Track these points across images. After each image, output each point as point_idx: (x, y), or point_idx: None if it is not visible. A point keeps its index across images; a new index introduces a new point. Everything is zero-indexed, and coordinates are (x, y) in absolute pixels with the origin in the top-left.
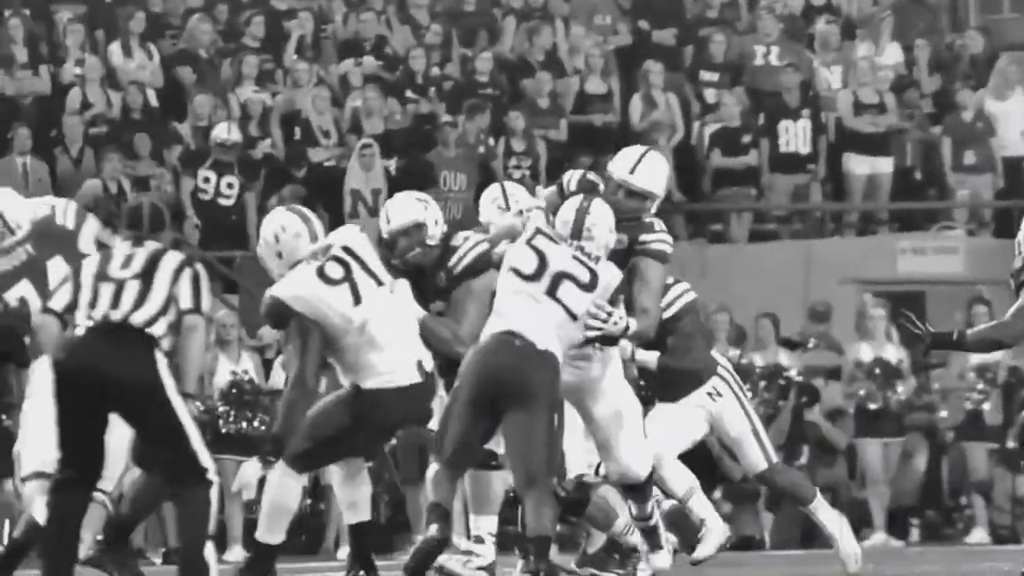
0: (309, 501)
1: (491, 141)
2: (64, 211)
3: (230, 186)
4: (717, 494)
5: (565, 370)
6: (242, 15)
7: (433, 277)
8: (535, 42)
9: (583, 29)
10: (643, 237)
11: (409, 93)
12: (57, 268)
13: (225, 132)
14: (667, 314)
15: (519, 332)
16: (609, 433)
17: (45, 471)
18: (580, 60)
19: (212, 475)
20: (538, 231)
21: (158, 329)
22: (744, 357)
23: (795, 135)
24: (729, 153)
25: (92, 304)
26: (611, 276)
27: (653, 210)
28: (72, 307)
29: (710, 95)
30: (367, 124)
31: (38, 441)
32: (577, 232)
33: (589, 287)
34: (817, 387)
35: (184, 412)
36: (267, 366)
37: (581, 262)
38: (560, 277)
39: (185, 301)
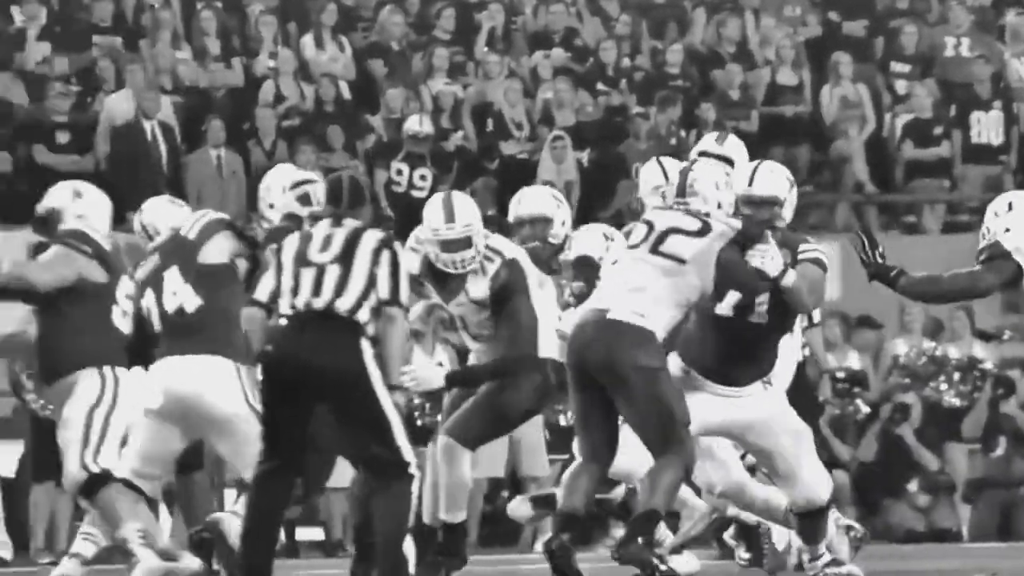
0: (506, 493)
1: (682, 133)
2: (192, 223)
3: (423, 178)
4: (913, 486)
5: (729, 410)
6: (433, 7)
7: (548, 265)
8: (725, 34)
9: (773, 20)
10: (801, 247)
11: (600, 85)
12: (173, 279)
13: (417, 124)
14: None
15: (601, 306)
16: (791, 464)
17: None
18: (771, 51)
19: (414, 469)
20: (652, 208)
21: (362, 315)
22: (939, 349)
23: (987, 126)
24: (921, 144)
25: (294, 291)
26: (727, 224)
27: (788, 216)
28: (276, 295)
29: (901, 86)
30: (558, 116)
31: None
32: (681, 190)
33: (700, 233)
34: (1013, 379)
35: (388, 403)
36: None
37: (691, 215)
38: (666, 233)
39: (384, 291)
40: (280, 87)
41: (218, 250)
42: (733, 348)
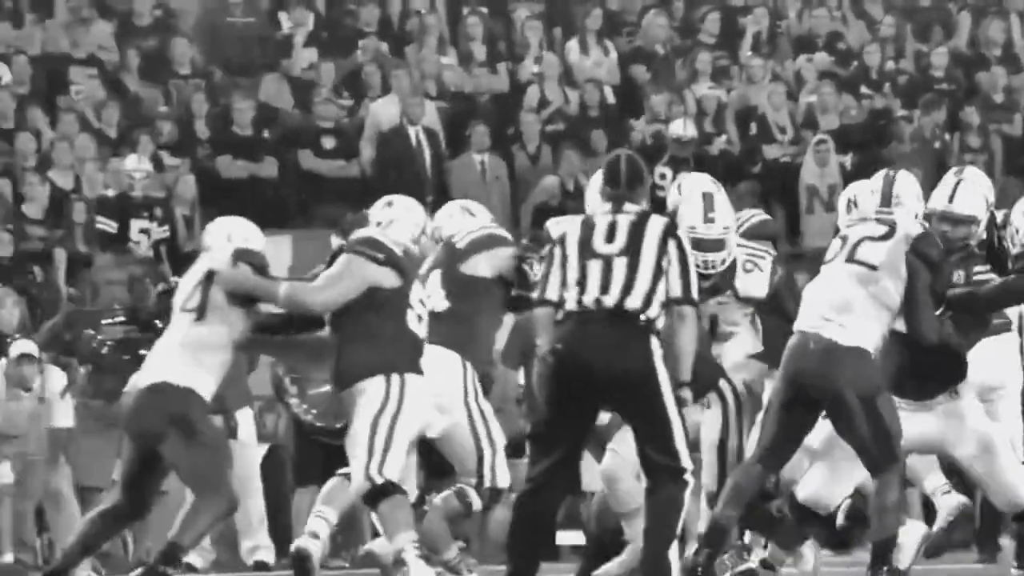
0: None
1: (947, 136)
2: (466, 233)
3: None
4: None
5: (918, 424)
6: (697, 11)
7: None
8: (990, 36)
9: None
10: (976, 268)
11: (864, 88)
12: (433, 282)
13: (681, 128)
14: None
15: (813, 329)
16: (987, 469)
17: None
18: None
19: (689, 476)
20: (851, 224)
21: (652, 312)
22: None
23: None
24: None
25: (581, 286)
26: (911, 226)
27: (982, 233)
28: (563, 288)
29: None
30: (822, 120)
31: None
32: (887, 199)
33: (885, 237)
34: None
35: (673, 406)
36: None
37: (879, 222)
38: (859, 242)
39: (675, 289)
40: (544, 92)
41: (487, 265)
42: (917, 359)
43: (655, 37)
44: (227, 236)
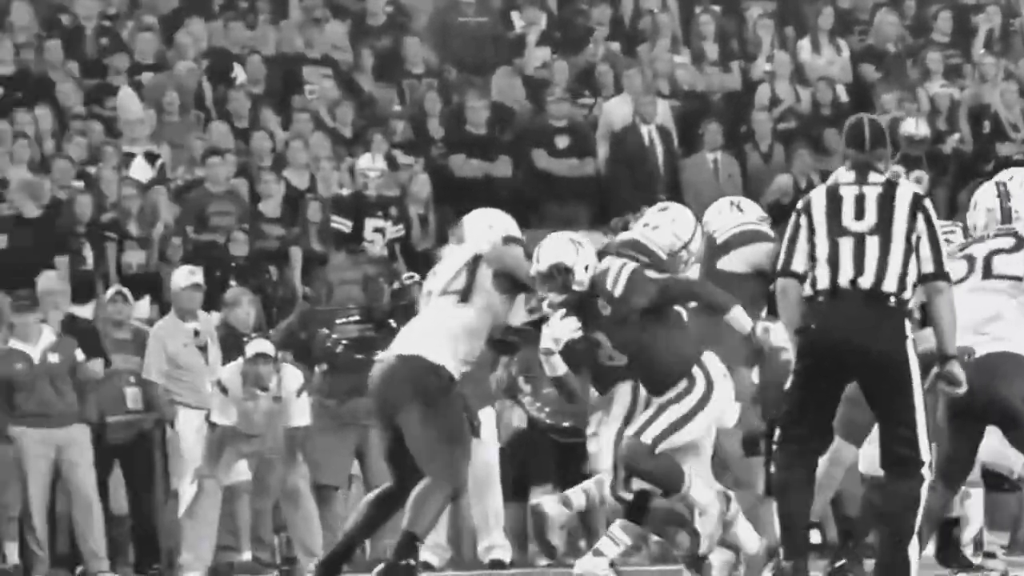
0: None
1: None
2: (727, 228)
3: (918, 180)
4: None
5: None
6: (929, 9)
7: None
8: None
9: None
10: None
11: None
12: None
13: (914, 127)
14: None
15: (968, 346)
16: None
17: None
18: None
19: (927, 470)
20: (965, 244)
21: (906, 293)
22: None
23: None
24: None
25: (833, 264)
26: None
27: None
28: (812, 263)
29: None
30: None
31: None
32: (1007, 215)
33: (1018, 248)
34: None
35: (920, 395)
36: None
37: (1000, 236)
38: (990, 256)
39: (927, 265)
40: (776, 90)
41: (743, 260)
42: None
43: (887, 36)
44: (488, 225)
